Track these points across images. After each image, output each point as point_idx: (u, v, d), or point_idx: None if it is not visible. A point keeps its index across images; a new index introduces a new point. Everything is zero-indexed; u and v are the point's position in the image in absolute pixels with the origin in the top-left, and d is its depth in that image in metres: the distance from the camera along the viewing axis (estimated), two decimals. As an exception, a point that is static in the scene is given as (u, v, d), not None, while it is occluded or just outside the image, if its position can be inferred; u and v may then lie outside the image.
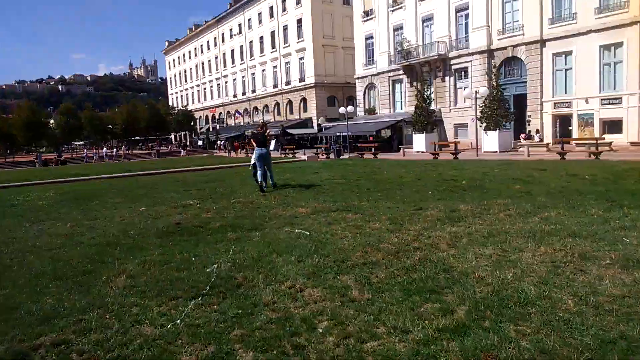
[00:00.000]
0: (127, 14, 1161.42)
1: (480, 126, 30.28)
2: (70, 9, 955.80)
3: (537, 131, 29.79)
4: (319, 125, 50.62)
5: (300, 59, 55.59)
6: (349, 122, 43.37)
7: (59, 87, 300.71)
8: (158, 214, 9.64)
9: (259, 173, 12.43)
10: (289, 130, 51.52)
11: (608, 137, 28.04)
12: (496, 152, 28.56)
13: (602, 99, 28.83)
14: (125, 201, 11.89)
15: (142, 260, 5.92)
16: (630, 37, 27.19)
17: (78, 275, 5.44)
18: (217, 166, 25.59)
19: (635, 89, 27.14)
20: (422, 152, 33.02)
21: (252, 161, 12.86)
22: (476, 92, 26.33)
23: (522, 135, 29.50)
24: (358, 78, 47.32)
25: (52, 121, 73.39)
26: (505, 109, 29.11)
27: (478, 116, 30.80)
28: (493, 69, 34.52)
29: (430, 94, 34.33)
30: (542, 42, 31.54)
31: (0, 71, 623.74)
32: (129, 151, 52.87)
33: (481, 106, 29.86)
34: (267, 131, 13.83)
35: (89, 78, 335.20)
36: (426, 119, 33.69)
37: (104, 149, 61.56)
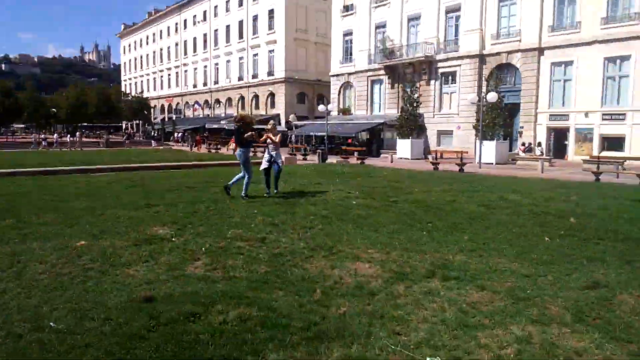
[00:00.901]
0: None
1: (476, 135, 27.24)
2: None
3: (539, 144, 26.98)
4: (287, 122, 46.36)
5: (270, 51, 51.11)
6: (318, 123, 39.55)
7: (2, 65, 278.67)
8: (107, 263, 5.34)
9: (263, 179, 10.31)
10: (255, 126, 46.80)
11: (606, 154, 25.71)
12: (492, 164, 25.55)
13: (603, 114, 26.43)
14: (55, 223, 7.43)
15: None
16: (639, 50, 24.86)
17: None
18: (182, 164, 21.01)
19: (641, 106, 24.85)
20: (407, 158, 29.65)
21: (263, 165, 10.63)
22: (484, 98, 23.09)
23: (521, 148, 26.64)
24: (333, 76, 43.49)
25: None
26: (505, 118, 26.13)
27: (473, 124, 27.83)
28: (484, 75, 31.74)
29: (418, 97, 30.99)
30: (541, 50, 28.88)
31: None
32: (79, 139, 46.18)
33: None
34: (247, 130, 10.20)
35: (36, 59, 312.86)
36: (412, 123, 30.33)
37: (55, 134, 53.27)
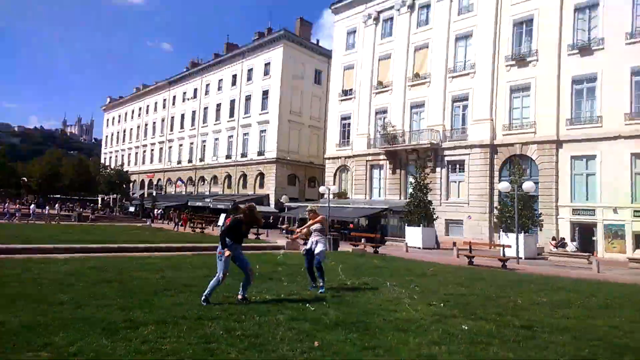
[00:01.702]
0: (66, 68, 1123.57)
1: (501, 227, 24.18)
2: (9, 54, 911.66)
3: (573, 239, 23.84)
4: (278, 203, 42.92)
5: (262, 131, 48.81)
6: (319, 205, 36.24)
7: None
8: None
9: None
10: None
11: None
12: (521, 258, 22.17)
13: (635, 210, 23.85)
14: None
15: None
16: (670, 147, 22.93)
17: None
18: (172, 245, 16.86)
19: (678, 205, 22.41)
20: (418, 247, 26.08)
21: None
22: (519, 187, 20.16)
23: (552, 242, 23.49)
24: (329, 158, 40.91)
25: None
26: (532, 211, 23.23)
27: (487, 214, 24.84)
28: (495, 165, 29.42)
29: (427, 184, 28.18)
30: (559, 143, 26.89)
31: None
32: (58, 211, 41.04)
33: (502, 205, 23.89)
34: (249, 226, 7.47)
35: (16, 129, 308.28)
36: (423, 210, 27.19)
37: (32, 204, 46.63)
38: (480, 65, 30.68)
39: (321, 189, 30.24)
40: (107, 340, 4.54)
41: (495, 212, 25.88)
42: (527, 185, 19.95)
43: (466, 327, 5.60)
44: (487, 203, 29.43)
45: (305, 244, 9.31)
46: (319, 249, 8.61)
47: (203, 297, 6.72)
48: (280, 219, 40.56)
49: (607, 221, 24.79)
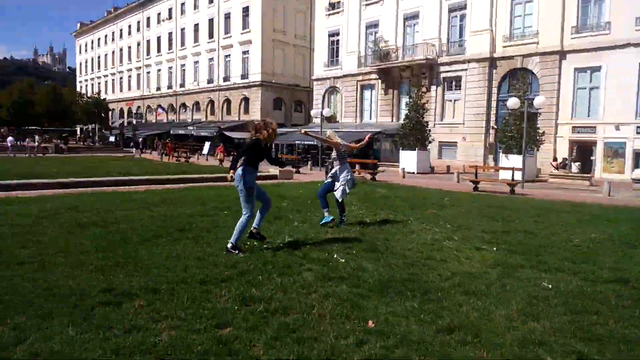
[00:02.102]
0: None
1: (500, 148, 23.06)
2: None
3: (574, 160, 22.85)
4: (264, 130, 41.12)
5: (245, 52, 45.57)
6: (303, 130, 34.62)
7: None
8: None
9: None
10: (228, 133, 41.24)
11: (640, 173, 22.08)
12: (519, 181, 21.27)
13: (638, 126, 22.76)
14: None
15: None
16: (683, 56, 21.36)
17: None
18: (168, 178, 15.31)
19: (685, 118, 21.30)
20: (412, 173, 24.97)
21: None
22: (530, 101, 18.61)
23: (553, 163, 22.48)
24: (317, 80, 38.54)
25: None
26: (536, 129, 21.94)
27: (496, 135, 23.60)
28: (494, 80, 27.69)
29: (424, 104, 26.49)
30: (562, 54, 25.05)
31: None
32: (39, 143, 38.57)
33: (502, 125, 22.52)
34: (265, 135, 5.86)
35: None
36: (419, 133, 25.74)
37: (9, 137, 42.76)
38: (480, -30, 27.83)
39: (313, 112, 28.42)
40: (74, 331, 3.15)
41: (492, 132, 24.57)
42: (539, 101, 18.44)
43: (549, 286, 4.34)
44: (484, 123, 28.04)
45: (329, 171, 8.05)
46: (338, 186, 7.30)
47: (230, 245, 5.46)
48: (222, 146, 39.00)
49: (607, 139, 23.73)
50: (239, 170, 5.54)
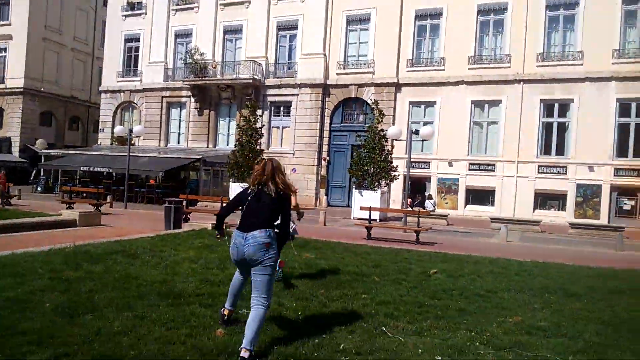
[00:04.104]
0: None
1: (355, 184, 19.12)
2: None
3: (430, 196, 20.06)
4: (26, 150, 29.82)
5: (1, 49, 33.25)
6: (89, 153, 25.82)
7: None
8: None
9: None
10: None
11: (472, 208, 21.15)
12: (375, 220, 17.52)
13: (470, 163, 21.85)
14: None
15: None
16: (509, 95, 21.32)
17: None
18: None
19: (512, 156, 21.03)
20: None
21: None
22: (414, 132, 14.82)
23: (409, 200, 19.36)
24: (107, 92, 29.60)
25: None
26: (389, 163, 18.67)
27: (327, 165, 19.77)
28: (326, 109, 24.37)
29: (260, 127, 21.21)
30: (398, 86, 23.21)
31: None
32: None
33: (356, 158, 18.66)
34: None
35: None
36: (252, 162, 20.14)
37: None
38: (313, -12, 24.73)
39: (117, 129, 20.47)
40: None
41: (324, 164, 20.70)
42: (426, 131, 14.96)
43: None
44: (316, 154, 24.25)
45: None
46: None
47: (248, 354, 3.34)
48: (34, 171, 27.93)
49: (441, 174, 22.35)
50: (264, 235, 3.67)
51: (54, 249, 7.21)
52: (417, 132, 14.94)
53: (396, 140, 17.84)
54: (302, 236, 9.95)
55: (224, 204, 4.90)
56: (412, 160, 22.24)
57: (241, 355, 3.31)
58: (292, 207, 4.55)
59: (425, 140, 15.40)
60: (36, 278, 5.35)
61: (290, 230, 5.48)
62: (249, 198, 3.84)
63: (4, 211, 14.39)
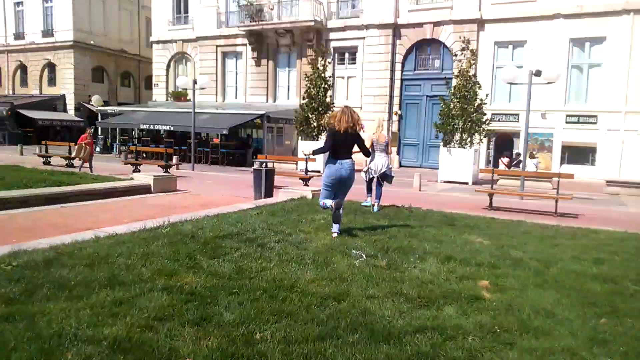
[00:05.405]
0: None
1: (438, 136, 17.12)
2: None
3: (532, 155, 17.41)
4: (81, 108, 29.11)
5: (46, 0, 31.78)
6: (147, 110, 24.66)
7: None
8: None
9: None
10: (24, 112, 27.90)
11: (568, 169, 18.52)
12: (466, 184, 15.63)
13: (567, 115, 19.07)
14: None
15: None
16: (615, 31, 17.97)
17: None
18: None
19: (619, 106, 18.06)
20: (317, 171, 17.41)
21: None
22: (534, 74, 12.33)
23: (505, 160, 17.16)
24: (158, 42, 27.88)
25: None
26: (483, 113, 16.31)
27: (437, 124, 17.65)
28: (397, 54, 21.75)
29: (327, 79, 19.12)
30: (481, 23, 20.14)
31: None
32: None
33: (444, 109, 16.35)
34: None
35: None
36: (323, 116, 18.33)
37: None
38: None
39: (180, 80, 19.07)
40: None
41: (395, 119, 18.50)
42: (552, 73, 12.41)
43: None
44: (386, 107, 21.98)
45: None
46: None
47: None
48: (90, 130, 27.28)
49: (532, 129, 19.63)
50: (352, 162, 5.62)
51: (147, 230, 5.41)
52: (538, 74, 12.27)
53: (512, 84, 14.76)
54: (410, 204, 8.50)
55: (311, 154, 5.80)
56: (496, 112, 19.92)
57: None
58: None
59: (550, 82, 12.71)
60: (142, 288, 3.50)
61: (390, 173, 8.41)
62: (340, 137, 5.48)
63: (72, 175, 13.03)
